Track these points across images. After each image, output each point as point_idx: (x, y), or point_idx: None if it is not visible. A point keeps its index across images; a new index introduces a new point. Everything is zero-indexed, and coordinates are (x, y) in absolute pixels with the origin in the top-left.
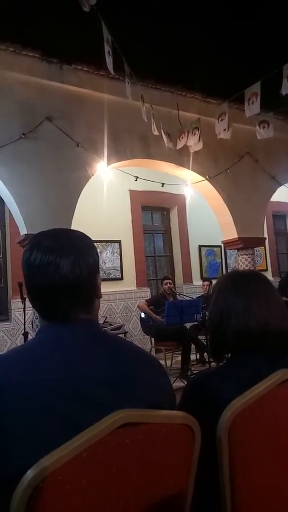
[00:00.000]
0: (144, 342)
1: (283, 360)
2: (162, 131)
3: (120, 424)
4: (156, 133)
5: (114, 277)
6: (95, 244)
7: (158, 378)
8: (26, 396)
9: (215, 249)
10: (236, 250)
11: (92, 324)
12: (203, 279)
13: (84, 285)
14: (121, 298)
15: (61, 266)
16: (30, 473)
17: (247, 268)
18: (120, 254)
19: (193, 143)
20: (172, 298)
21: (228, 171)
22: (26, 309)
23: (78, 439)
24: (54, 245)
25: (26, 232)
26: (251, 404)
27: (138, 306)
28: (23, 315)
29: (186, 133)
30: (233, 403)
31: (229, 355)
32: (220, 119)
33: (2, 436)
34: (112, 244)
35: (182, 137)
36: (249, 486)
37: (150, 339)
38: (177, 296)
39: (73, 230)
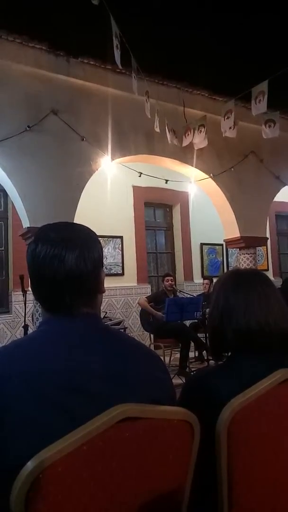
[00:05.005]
0: (143, 338)
1: (283, 360)
2: (166, 127)
3: (121, 419)
4: (158, 129)
5: (115, 272)
6: None
7: (158, 373)
8: (27, 388)
9: (217, 247)
10: (238, 249)
11: (95, 318)
12: (203, 277)
13: (88, 279)
14: (122, 293)
15: (66, 260)
16: (30, 464)
17: (248, 267)
18: (122, 250)
19: (199, 140)
20: (172, 295)
21: (232, 169)
22: (26, 302)
23: (79, 432)
24: (60, 238)
25: (28, 225)
26: (251, 403)
27: (138, 303)
28: (24, 307)
29: (192, 131)
30: (233, 401)
31: (229, 353)
32: (226, 117)
33: (2, 428)
34: (114, 239)
35: (188, 134)
36: (246, 483)
37: (149, 335)
38: (178, 294)
39: (79, 224)
